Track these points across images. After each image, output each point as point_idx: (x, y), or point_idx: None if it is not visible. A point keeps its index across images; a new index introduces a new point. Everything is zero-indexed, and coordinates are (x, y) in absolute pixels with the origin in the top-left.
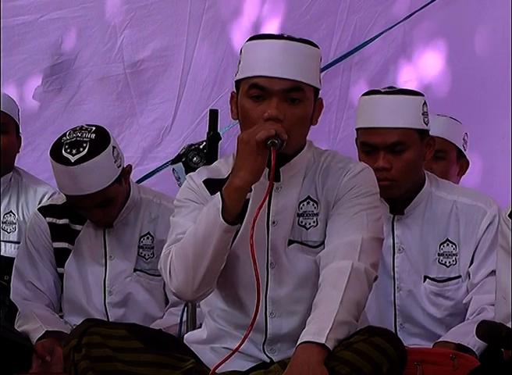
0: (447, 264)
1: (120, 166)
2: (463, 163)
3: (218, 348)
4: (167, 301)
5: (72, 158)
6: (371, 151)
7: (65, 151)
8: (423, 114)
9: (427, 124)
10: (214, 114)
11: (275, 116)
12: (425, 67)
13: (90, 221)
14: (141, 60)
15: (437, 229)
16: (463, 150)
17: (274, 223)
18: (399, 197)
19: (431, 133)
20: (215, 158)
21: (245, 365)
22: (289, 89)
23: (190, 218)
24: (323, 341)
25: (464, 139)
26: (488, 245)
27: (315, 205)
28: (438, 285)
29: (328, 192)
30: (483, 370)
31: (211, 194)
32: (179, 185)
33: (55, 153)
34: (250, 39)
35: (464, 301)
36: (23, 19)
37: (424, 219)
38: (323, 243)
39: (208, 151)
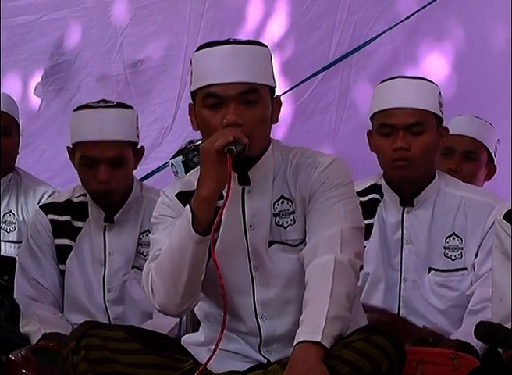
0: (453, 257)
1: (138, 136)
2: (491, 168)
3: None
4: None
5: (100, 105)
6: (389, 133)
7: (92, 104)
8: (439, 102)
9: (442, 113)
10: None
11: (233, 122)
12: (424, 67)
13: (92, 190)
14: (141, 60)
15: (444, 223)
16: (493, 155)
17: (251, 226)
18: (410, 185)
19: (464, 132)
20: None
21: (243, 365)
22: (244, 92)
23: (167, 233)
24: (319, 339)
25: (495, 145)
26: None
27: (290, 203)
28: (442, 275)
29: (301, 189)
30: (483, 370)
31: (185, 206)
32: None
33: (81, 107)
34: (198, 49)
35: (467, 293)
36: (24, 19)
37: (434, 212)
38: (304, 240)
39: None
